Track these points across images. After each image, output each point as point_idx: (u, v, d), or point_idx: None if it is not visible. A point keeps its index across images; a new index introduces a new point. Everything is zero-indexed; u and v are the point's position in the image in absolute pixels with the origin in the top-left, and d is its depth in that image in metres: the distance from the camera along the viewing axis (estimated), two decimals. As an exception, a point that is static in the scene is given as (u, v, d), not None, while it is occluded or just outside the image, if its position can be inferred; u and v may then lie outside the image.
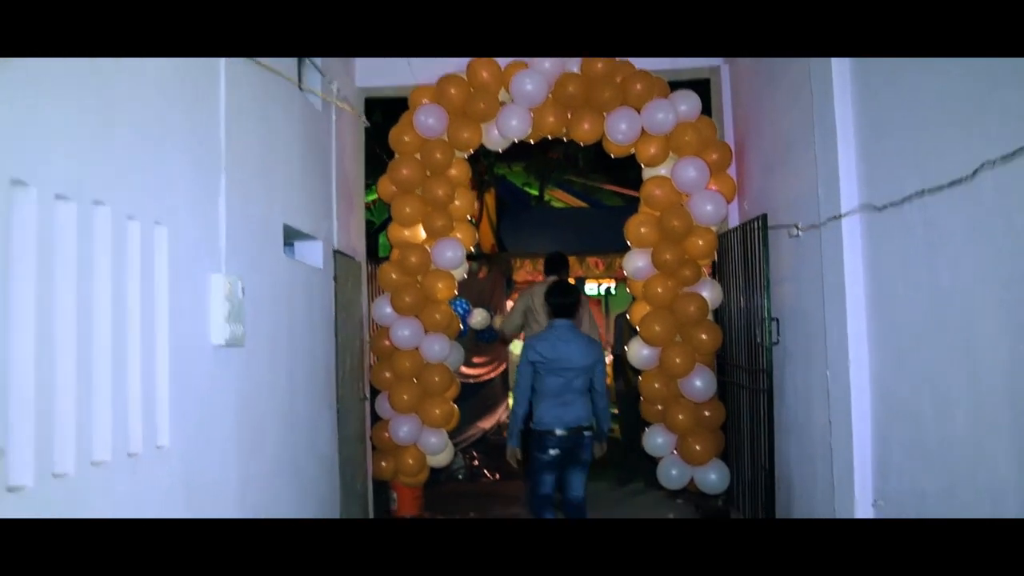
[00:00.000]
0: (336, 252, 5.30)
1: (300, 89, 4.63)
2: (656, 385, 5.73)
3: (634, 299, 6.02)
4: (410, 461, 5.97)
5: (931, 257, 3.14)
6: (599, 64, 5.50)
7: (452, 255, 5.81)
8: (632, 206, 5.97)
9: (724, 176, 5.70)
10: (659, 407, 5.82)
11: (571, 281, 6.57)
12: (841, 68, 3.88)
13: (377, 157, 7.50)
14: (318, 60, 4.97)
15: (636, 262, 5.77)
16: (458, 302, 6.48)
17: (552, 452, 4.66)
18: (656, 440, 5.86)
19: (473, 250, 6.55)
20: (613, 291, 12.85)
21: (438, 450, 6.06)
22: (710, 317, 5.72)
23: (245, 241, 3.58)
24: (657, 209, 5.63)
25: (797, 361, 4.78)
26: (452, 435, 6.45)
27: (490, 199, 12.34)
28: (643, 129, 5.51)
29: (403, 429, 5.85)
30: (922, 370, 3.28)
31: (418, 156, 5.74)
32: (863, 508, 3.79)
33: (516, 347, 9.44)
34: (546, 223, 12.41)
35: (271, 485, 3.86)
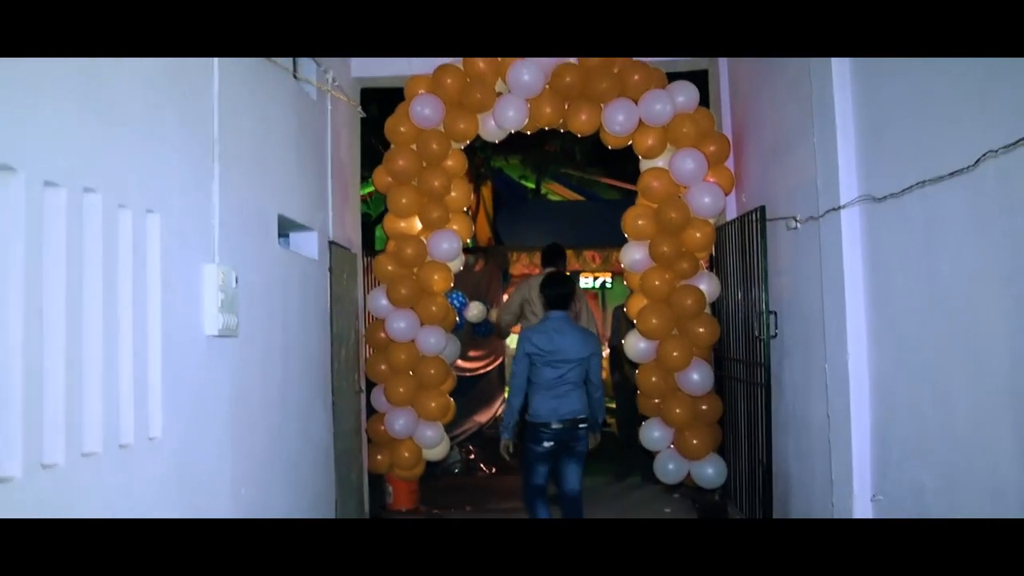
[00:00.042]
0: (331, 243, 5.25)
1: (295, 78, 4.58)
2: (653, 379, 5.71)
3: (631, 292, 5.99)
4: (406, 454, 5.94)
5: (932, 249, 3.12)
6: (595, 57, 5.45)
7: (448, 247, 5.78)
8: (629, 200, 5.94)
9: (722, 168, 5.67)
10: (656, 401, 5.79)
11: (567, 273, 6.56)
12: (841, 59, 3.85)
13: (373, 150, 7.46)
14: (313, 49, 4.93)
15: (633, 254, 5.74)
16: (454, 295, 6.45)
17: (546, 445, 4.64)
18: (653, 434, 5.84)
19: (469, 242, 6.53)
20: (608, 284, 12.81)
21: (434, 443, 6.03)
22: (707, 310, 5.70)
23: (239, 231, 3.54)
24: (654, 201, 5.60)
25: (795, 355, 4.75)
26: (448, 429, 6.43)
27: (487, 192, 12.31)
28: (640, 120, 5.48)
29: (399, 422, 5.82)
30: (922, 364, 3.25)
31: (414, 147, 5.70)
32: (861, 503, 3.77)
33: (513, 341, 9.42)
34: (543, 216, 12.40)
35: (265, 477, 3.82)
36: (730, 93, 6.09)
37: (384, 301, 5.80)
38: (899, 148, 3.40)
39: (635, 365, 6.09)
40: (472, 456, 8.14)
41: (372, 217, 10.73)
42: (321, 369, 4.97)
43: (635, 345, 5.76)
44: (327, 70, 5.22)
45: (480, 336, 7.95)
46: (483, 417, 8.78)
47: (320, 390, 4.93)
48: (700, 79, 6.07)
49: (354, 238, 6.15)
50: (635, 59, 5.50)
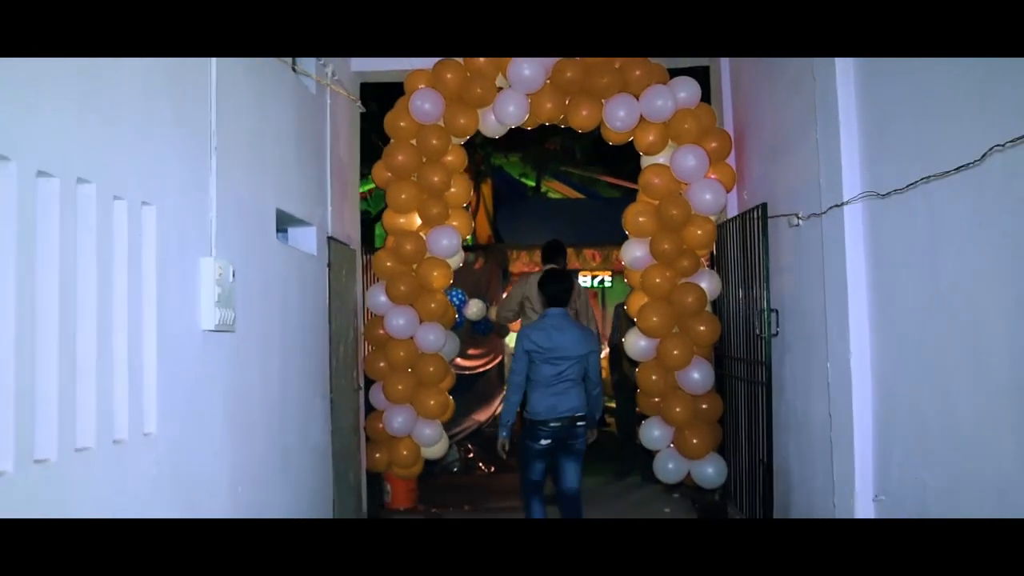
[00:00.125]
0: (330, 239, 5.22)
1: (294, 71, 4.55)
2: (653, 377, 5.67)
3: (632, 290, 5.96)
4: (404, 453, 5.91)
5: (936, 245, 3.08)
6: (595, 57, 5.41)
7: (448, 243, 5.74)
8: (629, 198, 5.90)
9: (723, 165, 5.63)
10: (656, 400, 5.76)
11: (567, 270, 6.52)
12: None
13: (373, 146, 7.42)
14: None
15: (634, 252, 5.71)
16: (454, 293, 6.43)
17: (544, 442, 4.63)
18: (653, 433, 5.80)
19: (469, 239, 6.50)
20: (608, 283, 12.78)
21: (433, 441, 5.99)
22: (708, 308, 5.66)
23: (236, 224, 3.51)
24: (655, 198, 5.56)
25: (796, 353, 4.72)
26: (447, 427, 6.39)
27: (487, 190, 12.28)
28: (642, 116, 5.44)
29: (397, 420, 5.79)
30: (925, 362, 3.22)
31: (414, 142, 5.66)
32: (863, 503, 3.74)
33: (512, 340, 9.40)
34: (543, 214, 12.36)
35: (262, 475, 3.79)
36: (732, 89, 6.06)
37: (383, 298, 5.77)
38: (902, 144, 3.37)
39: (635, 363, 6.06)
40: (471, 455, 8.11)
41: (372, 215, 10.70)
42: (319, 366, 4.94)
43: (635, 343, 5.72)
44: (326, 64, 5.19)
45: (479, 334, 7.94)
46: (482, 416, 8.74)
47: (318, 387, 4.89)
48: (702, 75, 6.04)
49: (353, 234, 6.11)
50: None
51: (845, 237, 3.78)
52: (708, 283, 5.60)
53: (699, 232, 5.47)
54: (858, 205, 3.74)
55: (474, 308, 6.74)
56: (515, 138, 8.82)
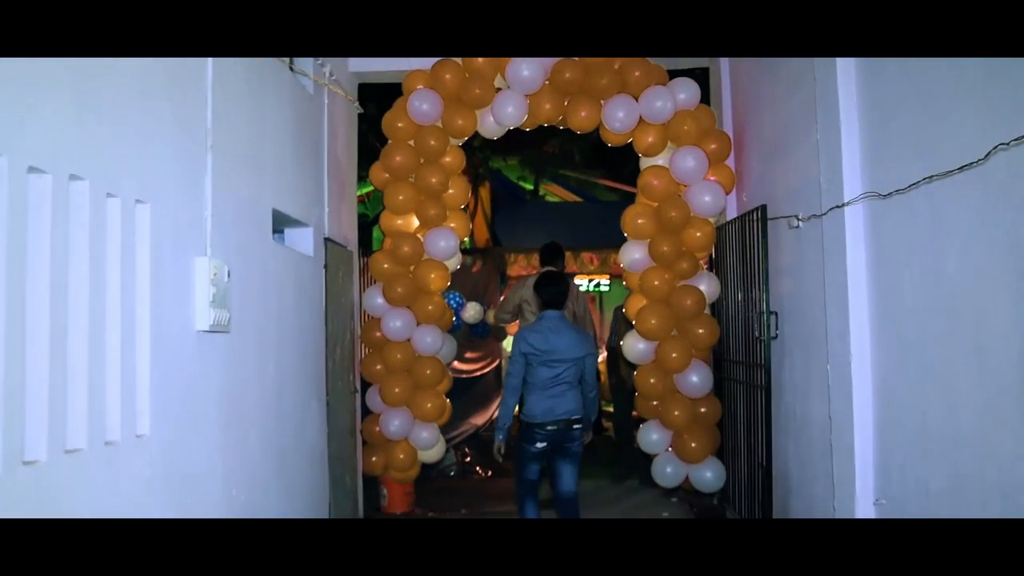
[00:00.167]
0: (327, 240, 5.18)
1: (291, 70, 4.51)
2: (652, 380, 5.63)
3: (630, 292, 5.93)
4: (401, 456, 5.86)
5: (938, 245, 3.05)
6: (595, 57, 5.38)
7: (445, 245, 5.70)
8: (627, 201, 5.87)
9: (723, 167, 5.61)
10: (654, 403, 5.72)
11: (565, 272, 6.50)
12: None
13: (371, 147, 7.39)
14: (310, 44, 4.86)
15: (633, 254, 5.67)
16: (451, 295, 6.39)
17: (539, 445, 4.63)
18: (651, 436, 5.76)
19: (467, 240, 6.47)
20: (603, 286, 12.75)
21: (430, 445, 5.95)
22: (707, 311, 5.63)
23: (232, 224, 3.47)
24: (654, 200, 5.53)
25: (796, 356, 4.68)
26: (444, 431, 6.36)
27: (485, 193, 12.27)
28: (641, 117, 5.41)
29: (394, 423, 5.75)
30: (927, 363, 3.19)
31: (412, 143, 5.62)
32: (864, 507, 3.70)
33: (509, 343, 9.37)
34: (541, 218, 12.37)
35: (257, 478, 3.75)
36: (731, 91, 6.03)
37: (380, 300, 5.73)
38: (904, 144, 3.34)
39: (632, 367, 6.03)
40: (468, 459, 8.07)
41: (370, 218, 10.67)
42: (315, 368, 4.90)
43: (634, 346, 5.69)
44: (324, 64, 5.16)
45: (477, 337, 7.90)
46: (480, 419, 8.70)
47: (314, 390, 4.85)
48: (701, 77, 6.02)
49: (350, 236, 6.08)
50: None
51: (846, 238, 3.75)
52: (707, 285, 5.57)
53: (698, 234, 5.44)
54: (859, 206, 3.71)
55: (472, 311, 6.70)
56: (513, 141, 8.79)
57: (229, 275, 3.29)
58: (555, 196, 13.87)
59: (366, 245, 8.41)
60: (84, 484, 2.31)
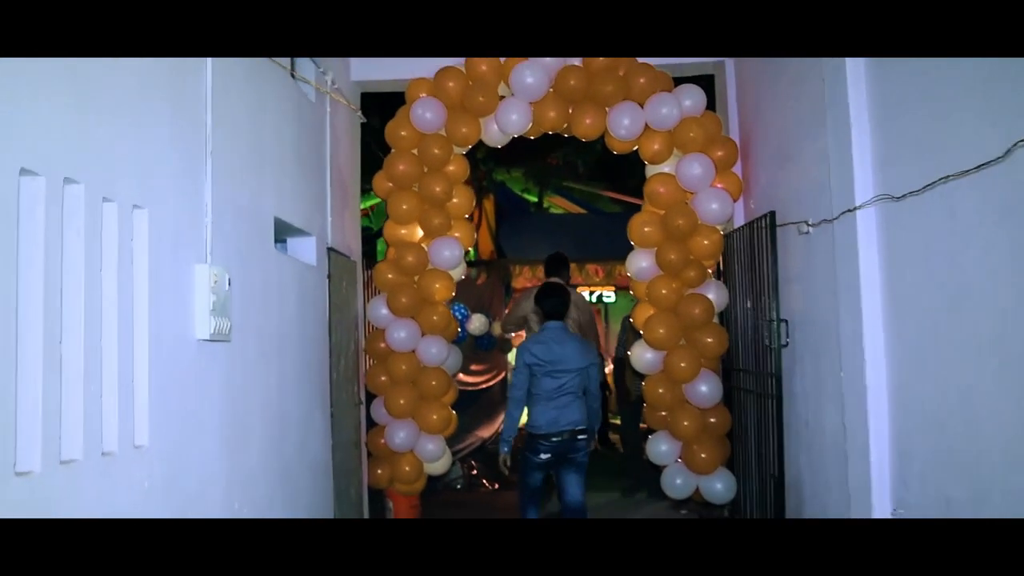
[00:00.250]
0: (330, 250, 5.12)
1: (292, 77, 4.47)
2: (660, 390, 5.56)
3: (637, 301, 5.86)
4: (407, 468, 5.78)
5: (956, 248, 2.98)
6: (601, 57, 5.34)
7: (450, 254, 5.64)
8: (631, 213, 5.82)
9: (730, 173, 5.55)
10: (663, 413, 5.64)
11: (571, 284, 6.45)
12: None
13: (374, 157, 7.35)
14: (312, 51, 4.82)
15: (639, 262, 5.60)
16: (456, 307, 6.34)
17: (543, 456, 4.67)
18: (660, 448, 5.68)
19: (471, 252, 6.42)
20: (606, 298, 12.70)
21: (435, 457, 5.87)
22: (715, 320, 5.56)
23: (233, 231, 3.41)
24: (661, 207, 5.47)
25: (807, 364, 4.60)
26: (450, 444, 6.28)
27: (489, 205, 12.24)
28: (646, 124, 5.35)
29: (399, 435, 5.67)
30: (945, 368, 3.11)
31: (415, 151, 5.57)
32: (881, 517, 3.61)
33: (514, 356, 9.32)
34: (545, 229, 12.32)
35: (259, 490, 3.67)
36: (737, 97, 5.98)
37: (384, 310, 5.66)
38: (916, 144, 3.28)
39: (640, 377, 5.96)
40: (474, 472, 7.99)
41: (374, 231, 10.64)
42: (319, 379, 4.83)
43: (642, 356, 5.61)
44: (326, 71, 5.11)
45: (482, 350, 7.85)
46: (485, 432, 8.63)
47: (318, 401, 4.78)
48: (707, 83, 5.97)
49: (354, 245, 6.02)
50: (641, 62, 5.39)
51: (858, 242, 3.67)
52: (715, 294, 5.49)
53: (706, 242, 5.37)
54: (871, 209, 3.64)
55: (477, 323, 6.65)
56: (517, 151, 8.75)
57: (230, 283, 3.23)
58: (559, 208, 13.83)
59: (370, 257, 8.36)
60: (80, 495, 2.24)
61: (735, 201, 5.55)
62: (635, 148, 5.54)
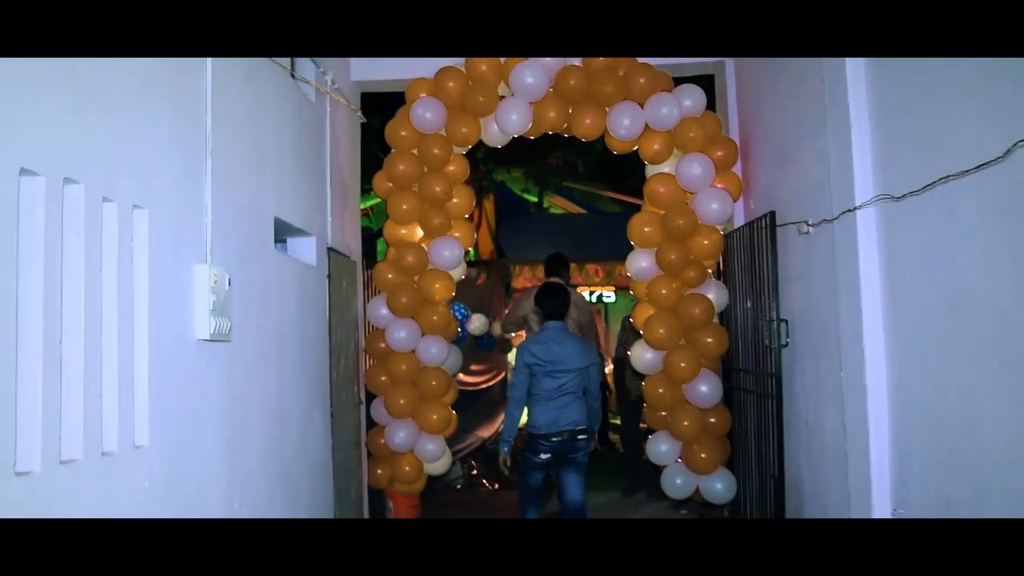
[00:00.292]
0: (330, 250, 5.12)
1: (292, 77, 4.46)
2: (660, 391, 5.56)
3: (637, 301, 5.85)
4: (407, 468, 5.78)
5: (956, 248, 2.98)
6: (601, 57, 5.34)
7: (450, 254, 5.63)
8: (631, 213, 5.81)
9: (730, 173, 5.54)
10: (663, 413, 5.64)
11: (571, 284, 6.44)
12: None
13: (374, 158, 7.35)
14: (312, 51, 4.82)
15: (639, 262, 5.60)
16: (456, 307, 6.34)
17: (543, 456, 4.68)
18: (660, 448, 5.68)
19: (471, 252, 6.42)
20: (605, 298, 12.71)
21: (435, 457, 5.87)
22: (715, 320, 5.56)
23: (233, 231, 3.41)
24: (661, 207, 5.46)
25: (807, 363, 4.60)
26: (450, 444, 6.28)
27: (489, 205, 12.23)
28: (646, 124, 5.35)
29: (399, 435, 5.67)
30: (945, 368, 3.11)
31: (415, 151, 5.57)
32: (881, 517, 3.61)
33: (514, 356, 9.32)
34: (545, 229, 12.32)
35: (259, 490, 3.67)
36: (737, 97, 5.98)
37: (384, 310, 5.66)
38: (916, 144, 3.28)
39: (640, 377, 5.96)
40: (474, 472, 7.99)
41: (374, 231, 10.63)
42: (319, 379, 4.83)
43: (641, 355, 5.61)
44: (326, 71, 5.10)
45: (482, 350, 7.85)
46: (485, 432, 8.62)
47: (318, 401, 4.78)
48: (707, 83, 5.97)
49: (354, 246, 6.02)
50: (641, 62, 5.39)
51: (858, 242, 3.67)
52: (715, 294, 5.49)
53: (706, 242, 5.37)
54: (871, 209, 3.64)
55: (477, 323, 6.65)
56: (517, 151, 8.74)
57: (230, 283, 3.23)
58: (559, 208, 13.83)
59: (370, 258, 8.36)
60: (80, 495, 2.24)
61: (735, 201, 5.55)
62: (635, 148, 5.54)
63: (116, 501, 2.42)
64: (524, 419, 4.92)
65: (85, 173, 2.30)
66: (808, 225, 4.36)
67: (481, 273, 9.62)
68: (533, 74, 5.28)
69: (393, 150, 5.66)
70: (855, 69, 3.70)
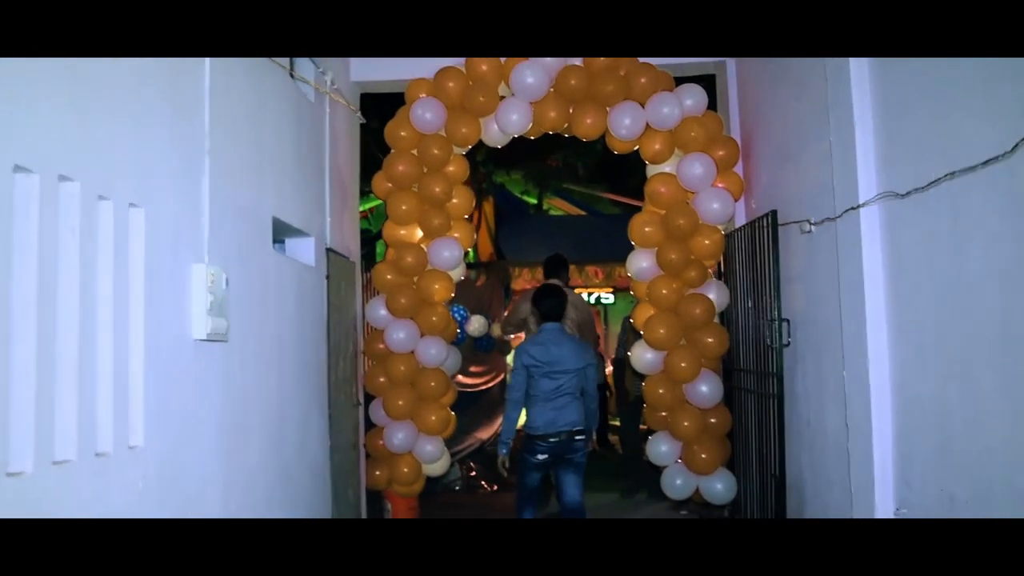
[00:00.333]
0: (329, 250, 5.10)
1: (292, 77, 4.44)
2: (660, 391, 5.53)
3: (637, 302, 5.83)
4: (405, 470, 5.75)
5: (960, 246, 2.95)
6: (602, 57, 5.32)
7: (449, 255, 5.61)
8: (631, 215, 5.79)
9: (731, 173, 5.52)
10: (663, 414, 5.61)
11: (570, 285, 6.42)
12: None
13: (374, 159, 7.33)
14: (311, 51, 4.80)
15: (640, 262, 5.58)
16: (455, 308, 6.31)
17: (541, 457, 4.68)
18: (660, 448, 5.65)
19: (471, 254, 6.41)
20: (604, 299, 12.70)
21: (434, 458, 5.84)
22: (716, 320, 5.53)
23: (231, 231, 3.39)
24: (662, 207, 5.44)
25: (809, 363, 4.58)
26: (449, 445, 6.26)
27: (488, 207, 12.22)
28: (647, 124, 5.33)
29: (398, 436, 5.64)
30: (949, 367, 3.08)
31: (415, 152, 5.55)
32: (884, 517, 3.59)
33: (512, 358, 9.31)
34: (545, 231, 12.30)
35: (257, 491, 3.64)
36: (738, 96, 5.96)
37: (383, 311, 5.64)
38: (919, 142, 3.25)
39: (639, 377, 5.94)
40: (473, 473, 7.96)
41: (373, 233, 10.62)
42: (318, 380, 4.80)
43: (642, 356, 5.58)
44: (325, 71, 5.08)
45: (481, 351, 7.83)
46: (484, 434, 8.60)
47: (316, 402, 4.76)
48: (708, 83, 5.95)
49: (353, 246, 6.00)
50: (642, 61, 5.36)
51: (861, 240, 3.65)
52: (716, 294, 5.47)
53: (707, 242, 5.35)
54: (874, 207, 3.61)
55: (476, 324, 6.63)
56: (517, 153, 8.73)
57: (227, 283, 3.21)
58: (559, 210, 13.82)
59: (369, 260, 8.35)
60: (72, 497, 2.21)
61: (736, 201, 5.53)
62: (636, 148, 5.52)
63: (110, 502, 2.40)
64: (522, 420, 4.90)
65: (81, 171, 2.27)
66: (810, 224, 4.34)
67: (480, 275, 9.62)
68: (534, 74, 5.25)
69: (393, 150, 5.63)
70: (859, 69, 3.68)
